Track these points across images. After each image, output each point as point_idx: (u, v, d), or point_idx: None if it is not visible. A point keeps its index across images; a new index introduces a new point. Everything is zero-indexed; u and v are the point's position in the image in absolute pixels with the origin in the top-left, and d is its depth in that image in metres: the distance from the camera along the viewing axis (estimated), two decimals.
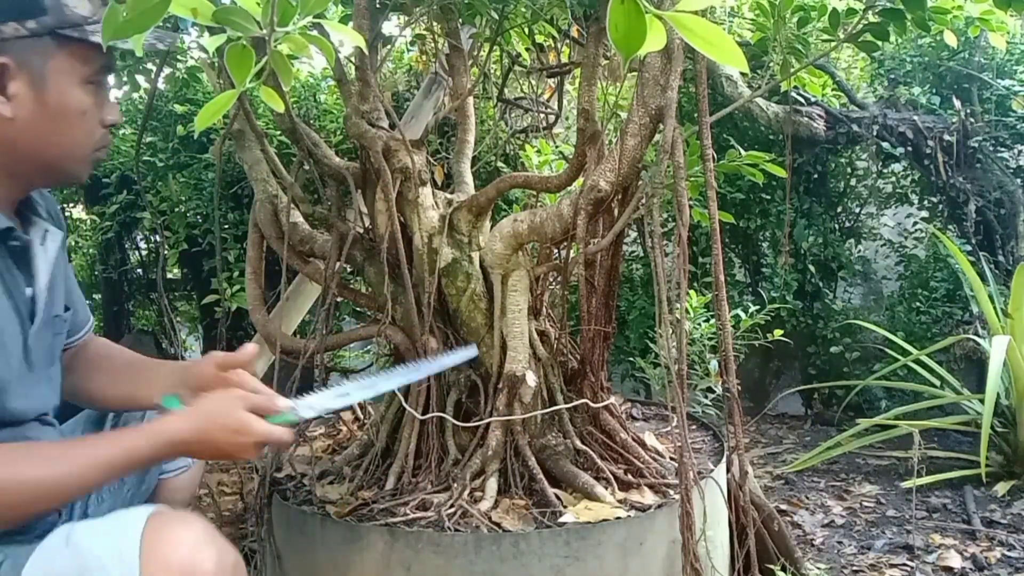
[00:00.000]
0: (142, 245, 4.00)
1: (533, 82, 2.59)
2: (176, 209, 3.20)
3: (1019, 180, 3.19)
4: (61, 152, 1.11)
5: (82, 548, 0.96)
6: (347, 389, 1.27)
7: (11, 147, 1.07)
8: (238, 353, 1.24)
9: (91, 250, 4.11)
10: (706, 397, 2.47)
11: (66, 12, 1.04)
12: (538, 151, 2.42)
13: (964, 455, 2.66)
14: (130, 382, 1.30)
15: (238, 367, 1.22)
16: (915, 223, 3.57)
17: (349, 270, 2.00)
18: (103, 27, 0.82)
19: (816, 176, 3.48)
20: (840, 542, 2.19)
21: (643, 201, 1.48)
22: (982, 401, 2.36)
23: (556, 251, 1.76)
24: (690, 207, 1.53)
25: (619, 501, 1.59)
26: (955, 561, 2.02)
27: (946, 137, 3.07)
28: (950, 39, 1.73)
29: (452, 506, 1.54)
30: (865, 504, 2.46)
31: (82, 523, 1.01)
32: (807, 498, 2.53)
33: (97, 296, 4.10)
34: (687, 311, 2.32)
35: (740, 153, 1.76)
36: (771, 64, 1.78)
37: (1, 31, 1.02)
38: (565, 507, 1.56)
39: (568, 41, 2.25)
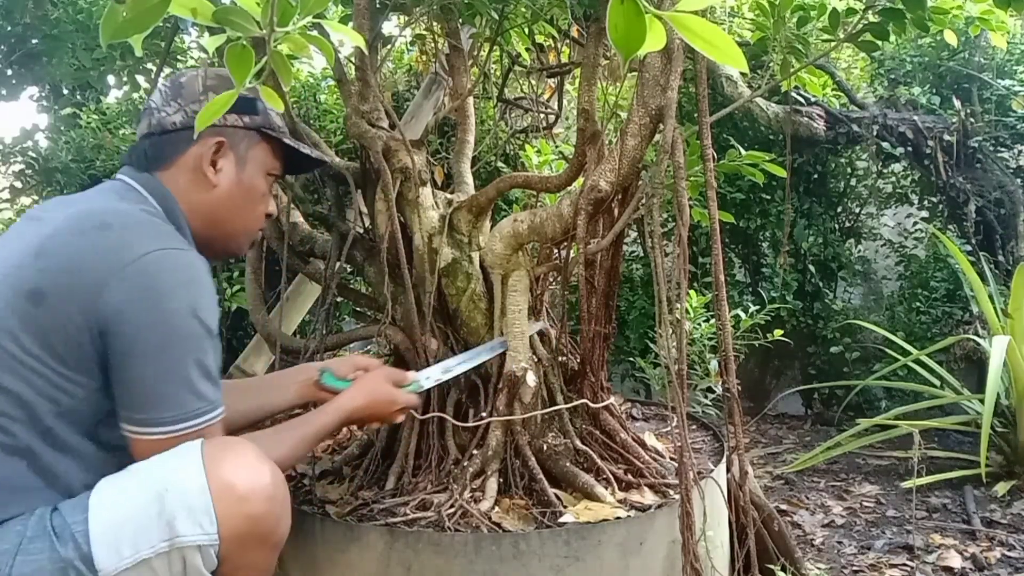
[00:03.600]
0: None
1: (533, 82, 2.59)
2: None
3: (1019, 180, 3.19)
4: (237, 226, 1.35)
5: (151, 475, 1.08)
6: (448, 364, 1.61)
7: (206, 212, 1.30)
8: (370, 360, 1.60)
9: None
10: (706, 397, 2.48)
11: (270, 118, 1.35)
12: (538, 151, 2.42)
13: (964, 455, 2.66)
14: (258, 396, 1.51)
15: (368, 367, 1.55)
16: (915, 223, 3.57)
17: (349, 270, 2.00)
18: (102, 28, 0.83)
19: (816, 176, 3.47)
20: (840, 542, 2.19)
21: (643, 201, 1.48)
22: (982, 401, 2.36)
23: (556, 251, 1.76)
24: (690, 207, 1.53)
25: (619, 501, 1.59)
26: (955, 561, 2.02)
27: (946, 137, 3.07)
28: (950, 39, 1.73)
29: (452, 506, 1.54)
30: (865, 504, 2.46)
31: (139, 462, 1.12)
32: (807, 498, 2.53)
33: None
34: (687, 311, 2.32)
35: (740, 153, 1.76)
36: (771, 64, 1.78)
37: (225, 119, 1.28)
38: (565, 507, 1.56)
39: (568, 41, 2.25)
